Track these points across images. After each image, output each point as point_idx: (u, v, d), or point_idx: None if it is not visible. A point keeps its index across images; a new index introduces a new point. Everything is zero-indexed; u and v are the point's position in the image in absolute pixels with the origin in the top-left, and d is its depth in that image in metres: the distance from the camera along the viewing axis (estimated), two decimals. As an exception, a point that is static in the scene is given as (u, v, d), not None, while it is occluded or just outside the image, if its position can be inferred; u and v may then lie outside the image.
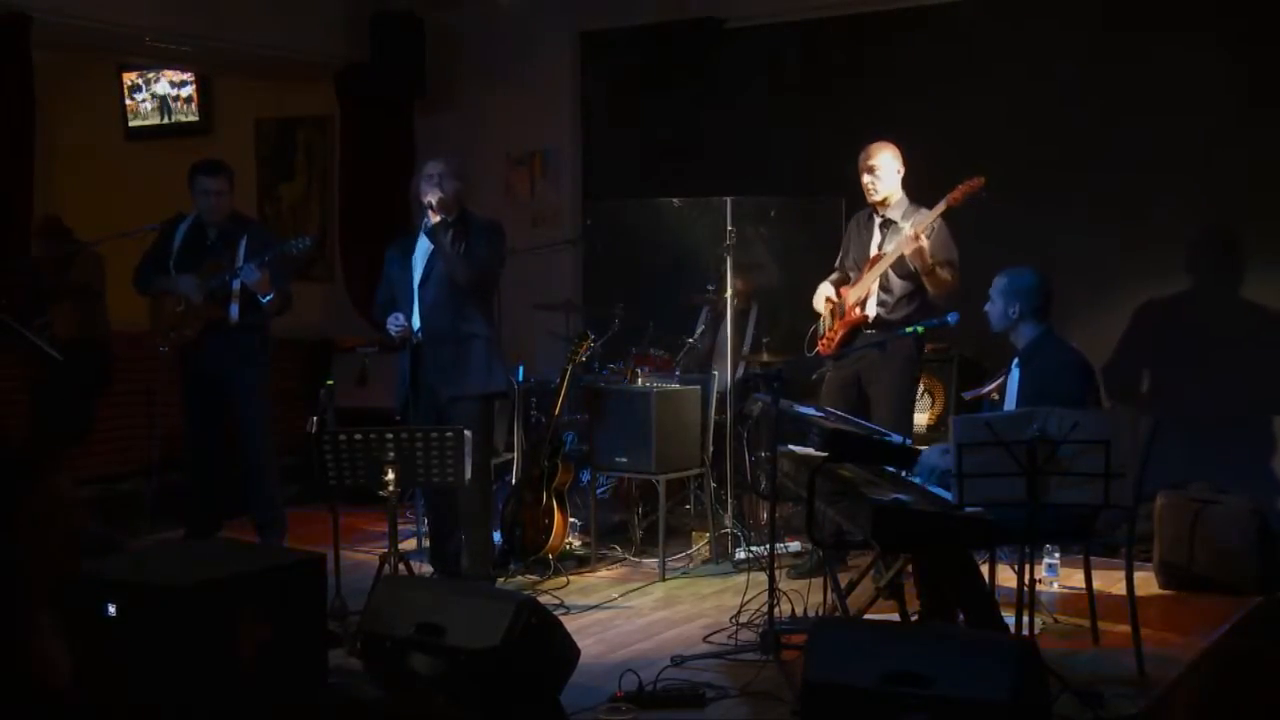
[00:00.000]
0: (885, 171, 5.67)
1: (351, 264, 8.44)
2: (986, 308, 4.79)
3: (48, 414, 7.03)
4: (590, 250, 7.94)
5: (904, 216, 5.69)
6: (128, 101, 9.99)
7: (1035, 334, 4.73)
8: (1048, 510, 3.97)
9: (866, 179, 5.70)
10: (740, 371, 6.53)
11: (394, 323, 5.41)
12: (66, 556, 2.15)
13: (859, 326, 5.72)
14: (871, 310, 5.68)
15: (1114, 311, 6.49)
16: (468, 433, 4.93)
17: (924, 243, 5.43)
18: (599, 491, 6.52)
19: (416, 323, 5.41)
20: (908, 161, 5.72)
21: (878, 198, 5.69)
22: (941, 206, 5.48)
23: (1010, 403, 4.69)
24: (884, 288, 5.68)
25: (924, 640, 3.61)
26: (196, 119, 9.71)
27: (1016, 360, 4.76)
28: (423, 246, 5.45)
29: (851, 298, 5.71)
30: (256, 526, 6.12)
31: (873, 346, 5.56)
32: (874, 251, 5.72)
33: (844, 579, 4.95)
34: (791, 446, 4.92)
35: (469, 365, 5.41)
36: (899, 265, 5.62)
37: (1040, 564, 5.53)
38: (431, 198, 5.36)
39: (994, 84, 6.73)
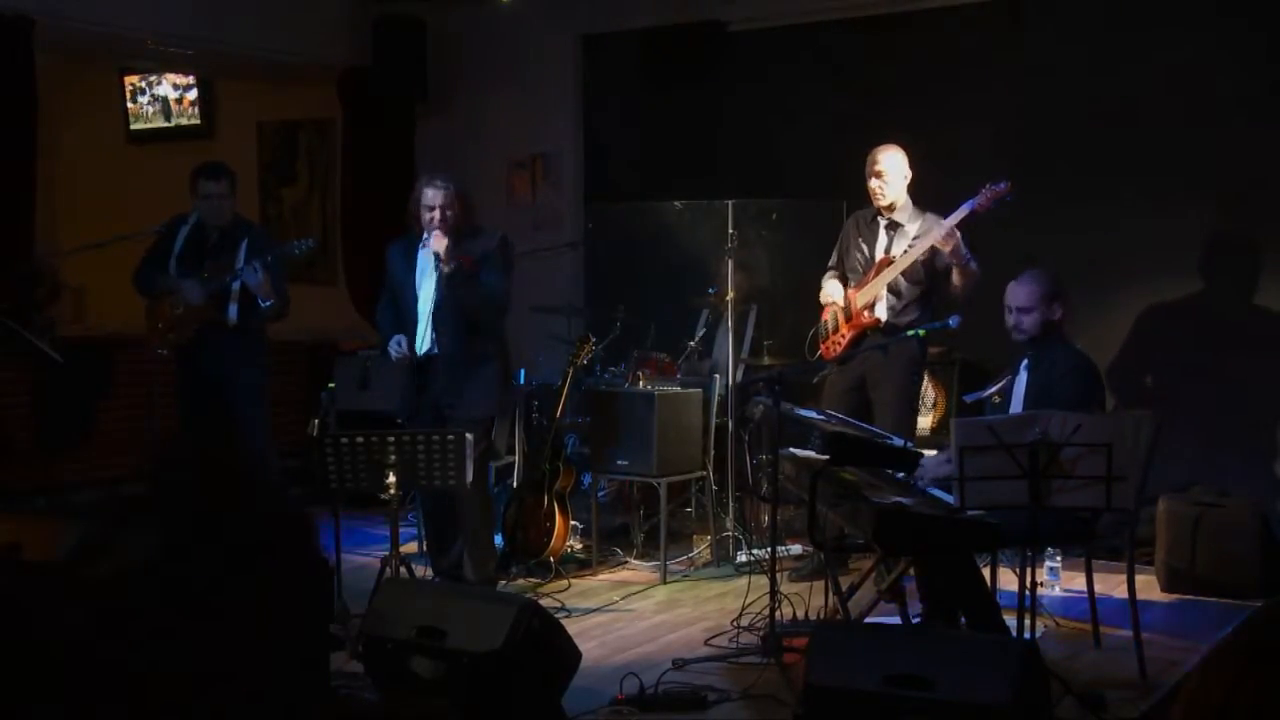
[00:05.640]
0: (893, 176, 5.63)
1: (353, 267, 8.44)
2: (1018, 320, 4.64)
3: (48, 416, 7.03)
4: (591, 253, 7.94)
5: (909, 220, 5.67)
6: (130, 104, 10.00)
7: (1049, 336, 4.71)
8: (1049, 513, 3.97)
9: (874, 184, 5.64)
10: (740, 374, 6.53)
11: (395, 348, 5.40)
12: None
13: (868, 330, 5.70)
14: (882, 314, 5.66)
15: (1117, 314, 6.49)
16: (469, 435, 4.93)
17: (959, 236, 5.38)
18: (600, 494, 6.52)
19: (427, 341, 5.40)
20: (911, 164, 5.70)
21: (885, 202, 5.66)
22: (965, 211, 5.36)
23: (1018, 403, 4.68)
24: (893, 291, 5.65)
25: (926, 643, 3.61)
26: (198, 122, 9.72)
27: (1025, 362, 4.74)
28: (427, 264, 5.43)
29: (860, 301, 5.68)
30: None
31: (876, 349, 5.55)
32: (880, 255, 5.70)
33: (845, 582, 4.94)
34: (793, 449, 4.92)
35: (481, 388, 5.43)
36: (909, 269, 5.60)
37: (1042, 567, 5.51)
38: (438, 248, 5.26)
39: (996, 86, 6.73)
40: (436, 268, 5.35)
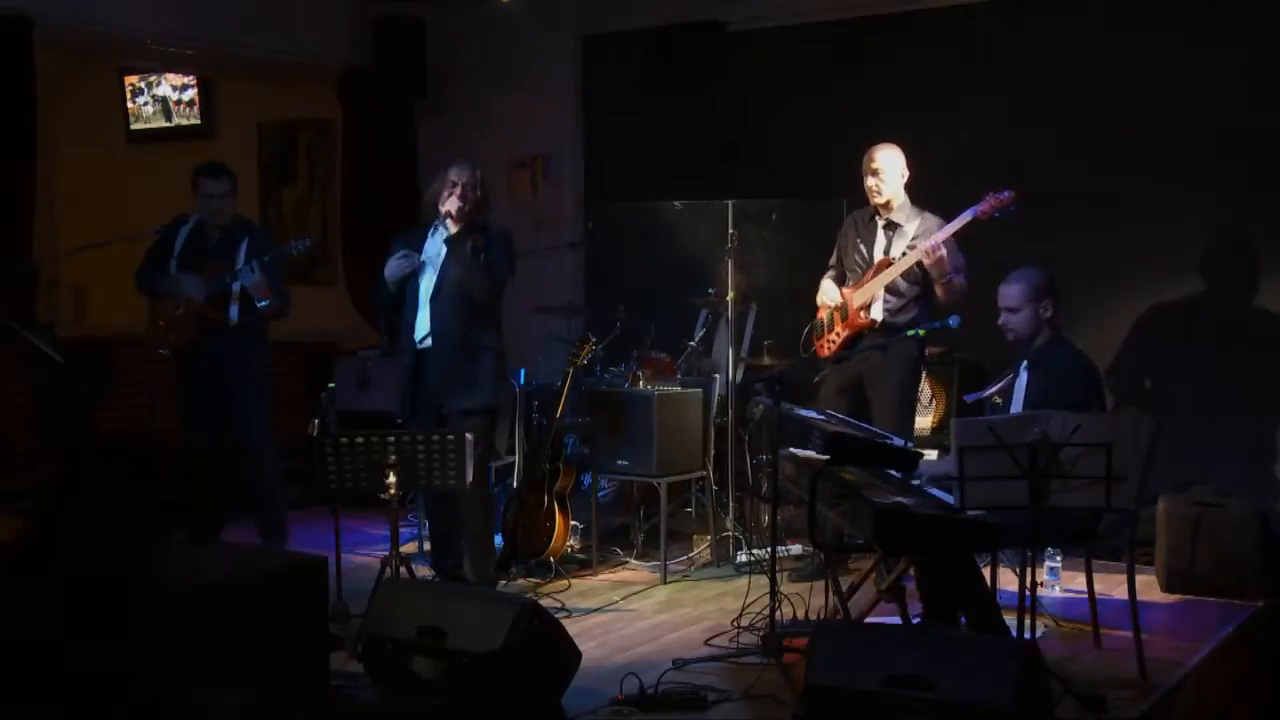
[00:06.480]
0: (889, 174, 5.63)
1: (353, 267, 8.44)
2: (1006, 320, 4.64)
3: (48, 415, 7.03)
4: (591, 253, 7.94)
5: (908, 219, 5.66)
6: (130, 104, 10.00)
7: (1047, 336, 4.71)
8: (1049, 513, 3.96)
9: (870, 181, 5.66)
10: (740, 374, 6.53)
11: (402, 257, 5.39)
12: None
13: (864, 331, 5.70)
14: (878, 315, 5.65)
15: (1117, 314, 6.49)
16: (469, 436, 4.93)
17: (944, 253, 5.38)
18: (600, 495, 6.52)
19: (424, 329, 5.40)
20: (910, 164, 5.70)
21: (882, 200, 5.66)
22: (967, 218, 5.35)
23: (1018, 404, 4.68)
24: (890, 291, 5.65)
25: (926, 643, 3.61)
26: (198, 122, 9.72)
27: (1025, 363, 4.74)
28: (432, 252, 5.43)
29: (856, 301, 5.67)
30: (258, 529, 6.12)
31: (875, 349, 5.55)
32: (879, 255, 5.69)
33: (845, 582, 4.95)
34: (793, 449, 4.92)
35: (477, 379, 5.41)
36: (907, 270, 5.59)
37: (1042, 567, 5.52)
38: (450, 207, 5.32)
39: (995, 86, 6.73)
40: (442, 225, 5.36)
